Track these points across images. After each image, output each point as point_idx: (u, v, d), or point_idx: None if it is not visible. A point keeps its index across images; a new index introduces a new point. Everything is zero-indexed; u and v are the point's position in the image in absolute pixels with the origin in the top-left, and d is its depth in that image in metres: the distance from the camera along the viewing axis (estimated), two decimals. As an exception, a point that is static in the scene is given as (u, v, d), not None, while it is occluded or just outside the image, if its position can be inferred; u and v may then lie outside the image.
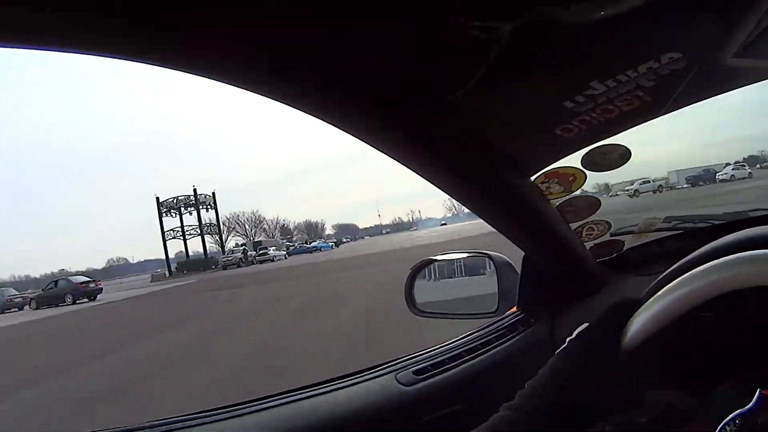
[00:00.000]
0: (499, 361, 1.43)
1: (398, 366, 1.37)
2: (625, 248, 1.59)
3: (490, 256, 1.68)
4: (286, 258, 40.13)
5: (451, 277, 1.87)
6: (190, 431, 1.11)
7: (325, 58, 0.79)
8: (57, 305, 30.59)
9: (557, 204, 1.33)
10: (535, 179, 1.25)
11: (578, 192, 1.31)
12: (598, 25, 0.89)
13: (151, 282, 48.77)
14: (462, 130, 1.04)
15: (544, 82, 1.01)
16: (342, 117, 0.92)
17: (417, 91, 0.92)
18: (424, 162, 1.07)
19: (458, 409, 1.32)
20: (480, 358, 1.41)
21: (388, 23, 0.78)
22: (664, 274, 1.10)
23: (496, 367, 1.42)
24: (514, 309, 1.60)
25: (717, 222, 1.63)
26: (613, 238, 1.54)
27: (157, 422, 1.15)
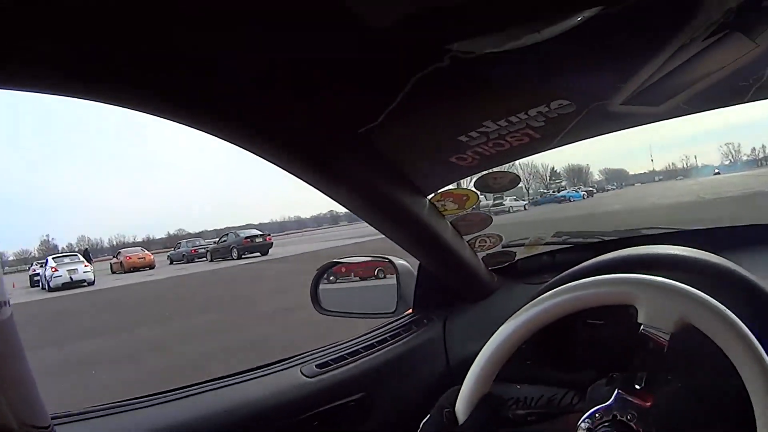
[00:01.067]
0: (394, 357, 1.53)
1: (303, 360, 1.45)
2: (517, 259, 1.72)
3: (391, 261, 1.77)
4: (525, 209, 35.13)
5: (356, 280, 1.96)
6: (90, 422, 1.14)
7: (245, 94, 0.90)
8: (227, 258, 28.69)
9: (452, 219, 1.45)
10: (432, 198, 1.37)
11: (471, 209, 1.43)
12: (494, 72, 1.01)
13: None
14: (368, 156, 1.17)
15: (442, 119, 1.13)
16: (253, 142, 1.02)
17: (330, 125, 1.05)
18: (332, 183, 1.18)
19: (356, 399, 1.42)
20: (376, 354, 1.51)
21: (307, 65, 0.89)
22: (547, 283, 1.24)
23: (391, 362, 1.52)
24: (411, 311, 1.72)
25: (607, 238, 1.76)
26: (505, 249, 1.67)
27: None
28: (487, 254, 1.64)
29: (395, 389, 1.52)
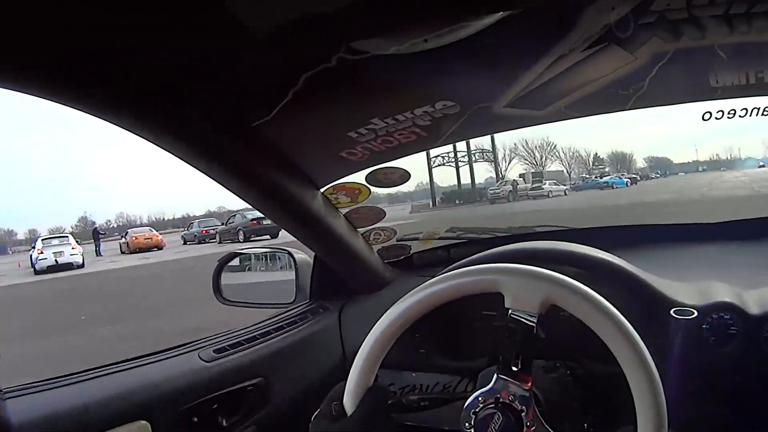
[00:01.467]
0: (291, 344, 1.58)
1: (201, 345, 1.47)
2: (412, 252, 1.81)
3: (290, 252, 1.83)
4: (565, 194, 30.79)
5: (258, 270, 2.00)
6: None
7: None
8: (234, 241, 25.57)
9: (345, 212, 1.52)
10: (325, 191, 1.44)
11: (365, 202, 1.50)
12: (380, 73, 1.09)
13: (410, 213, 42.49)
14: (262, 149, 1.23)
15: (332, 115, 1.21)
16: (150, 132, 1.06)
17: (225, 117, 1.12)
18: (228, 175, 1.23)
19: (254, 383, 1.46)
20: (273, 340, 1.55)
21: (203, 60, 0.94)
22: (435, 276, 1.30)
23: (288, 349, 1.57)
24: (308, 301, 1.77)
25: (500, 234, 1.86)
26: (400, 242, 1.76)
27: None
28: (383, 247, 1.71)
29: (293, 375, 1.57)
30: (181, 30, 0.84)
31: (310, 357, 1.62)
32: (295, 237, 1.48)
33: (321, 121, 1.21)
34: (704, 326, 1.29)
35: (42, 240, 23.46)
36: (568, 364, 1.28)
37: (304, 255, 1.79)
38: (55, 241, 23.26)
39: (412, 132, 1.28)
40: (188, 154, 1.13)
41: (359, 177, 1.45)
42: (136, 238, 27.19)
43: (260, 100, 1.09)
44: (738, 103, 1.55)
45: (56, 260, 21.58)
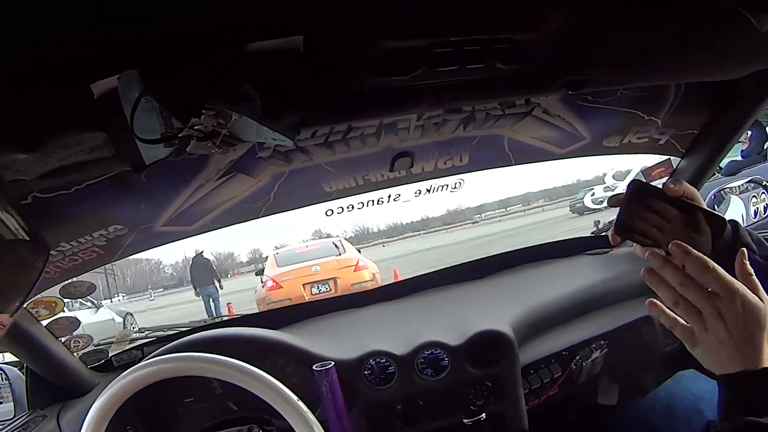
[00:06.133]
0: None
1: None
2: (111, 355, 2.08)
3: (3, 370, 1.93)
4: None
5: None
6: None
7: None
8: None
9: (46, 323, 1.78)
10: (27, 305, 1.70)
11: (61, 314, 1.81)
12: (64, 206, 1.48)
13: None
14: None
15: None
16: None
17: None
18: None
19: None
20: None
21: None
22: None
23: None
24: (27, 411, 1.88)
25: (183, 329, 2.23)
26: (97, 347, 2.06)
27: None
28: (83, 353, 1.97)
29: None
30: None
31: None
32: (2, 349, 1.68)
33: None
34: (365, 371, 1.67)
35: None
36: (263, 427, 1.65)
37: (15, 369, 1.91)
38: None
39: (93, 251, 1.70)
40: None
41: (53, 292, 1.77)
42: (274, 285, 10.91)
43: None
44: (353, 200, 2.13)
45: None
